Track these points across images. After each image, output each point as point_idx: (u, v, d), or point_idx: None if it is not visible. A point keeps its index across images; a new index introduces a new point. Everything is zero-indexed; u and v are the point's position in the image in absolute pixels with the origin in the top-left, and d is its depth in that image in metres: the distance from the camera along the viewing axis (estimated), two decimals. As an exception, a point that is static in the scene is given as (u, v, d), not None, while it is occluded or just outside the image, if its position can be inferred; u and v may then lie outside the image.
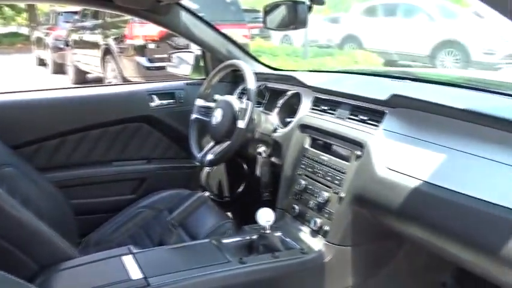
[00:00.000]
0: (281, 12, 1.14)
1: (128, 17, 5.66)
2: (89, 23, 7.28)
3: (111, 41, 6.15)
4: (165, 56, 6.00)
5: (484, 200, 0.83)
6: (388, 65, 7.85)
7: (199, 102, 1.58)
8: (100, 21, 6.71)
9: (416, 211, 0.97)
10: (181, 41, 5.52)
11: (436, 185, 0.93)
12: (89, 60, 7.04)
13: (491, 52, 7.07)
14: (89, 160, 1.63)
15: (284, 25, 1.13)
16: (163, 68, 5.76)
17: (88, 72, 7.50)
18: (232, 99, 1.44)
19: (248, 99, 1.32)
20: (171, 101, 1.77)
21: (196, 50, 1.89)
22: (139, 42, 5.59)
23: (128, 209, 1.60)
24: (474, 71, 5.53)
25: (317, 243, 1.18)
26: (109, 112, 1.65)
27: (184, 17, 1.58)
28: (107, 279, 0.91)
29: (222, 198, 1.89)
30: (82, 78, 7.67)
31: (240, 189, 1.87)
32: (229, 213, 1.80)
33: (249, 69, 1.37)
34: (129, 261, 0.98)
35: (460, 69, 7.05)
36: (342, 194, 1.15)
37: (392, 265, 1.28)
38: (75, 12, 8.12)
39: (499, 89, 1.16)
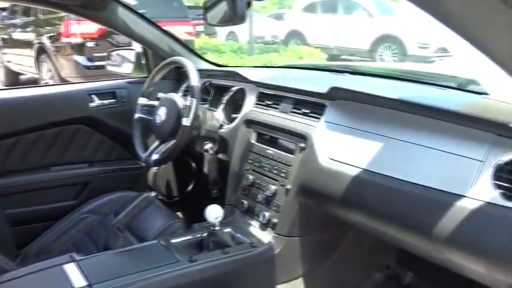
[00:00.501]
0: (221, 8, 1.14)
1: (62, 13, 5.37)
2: (19, 20, 6.80)
3: (45, 40, 5.80)
4: (105, 54, 5.77)
5: (417, 184, 0.89)
6: (331, 59, 8.10)
7: (142, 100, 1.53)
8: (32, 18, 6.29)
9: (358, 198, 1.01)
10: (122, 38, 5.33)
11: (374, 172, 0.98)
12: (21, 61, 6.58)
13: (425, 46, 7.52)
14: (25, 166, 1.53)
15: (224, 21, 1.13)
16: (103, 67, 5.53)
17: (21, 73, 7.02)
18: (176, 96, 1.41)
19: (192, 96, 1.30)
20: (112, 100, 1.71)
21: (137, 47, 1.84)
22: (77, 40, 5.33)
23: (70, 215, 1.52)
24: (410, 64, 5.86)
25: (266, 236, 1.20)
26: (45, 114, 1.56)
27: (122, 13, 1.52)
28: None
29: (171, 199, 1.85)
30: (14, 79, 7.15)
31: (189, 188, 1.85)
32: (179, 213, 1.77)
33: (192, 66, 1.35)
34: (71, 269, 0.93)
35: (397, 62, 7.44)
36: (289, 186, 1.17)
37: (338, 252, 1.33)
38: (3, 9, 7.55)
39: (431, 80, 1.24)
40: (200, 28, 8.99)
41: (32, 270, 0.94)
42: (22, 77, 7.12)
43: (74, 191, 1.62)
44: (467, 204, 0.81)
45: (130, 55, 1.81)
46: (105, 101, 1.69)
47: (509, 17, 0.41)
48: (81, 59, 5.24)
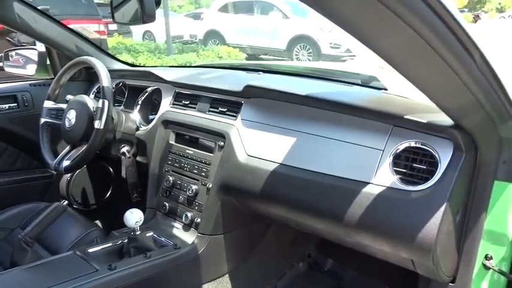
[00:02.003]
0: (130, 6, 1.10)
1: None
2: None
3: None
4: (2, 54, 5.24)
5: (327, 174, 0.95)
6: (250, 59, 8.25)
7: (48, 104, 1.43)
8: None
9: (275, 192, 1.05)
10: (25, 37, 4.89)
11: (288, 165, 1.02)
12: None
13: (337, 46, 7.99)
14: None
15: (134, 19, 1.10)
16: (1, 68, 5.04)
17: None
18: (87, 98, 1.33)
19: (103, 97, 1.24)
20: (13, 105, 1.57)
21: (40, 47, 1.70)
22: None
23: None
24: (322, 63, 6.19)
25: (190, 237, 1.19)
26: None
27: (19, 9, 1.40)
28: None
29: (87, 207, 1.75)
30: None
31: (107, 195, 1.76)
32: (97, 222, 1.68)
33: (101, 66, 1.29)
34: None
35: (312, 61, 7.83)
36: (209, 185, 1.18)
37: (262, 245, 1.37)
38: None
39: (338, 77, 1.32)
40: (113, 27, 8.59)
41: None
42: None
43: None
44: (371, 190, 0.89)
45: (33, 55, 1.67)
46: (5, 106, 1.54)
47: (384, 14, 0.46)
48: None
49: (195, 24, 11.07)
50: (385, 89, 1.12)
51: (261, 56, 8.67)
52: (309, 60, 8.00)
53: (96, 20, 5.87)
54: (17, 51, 1.71)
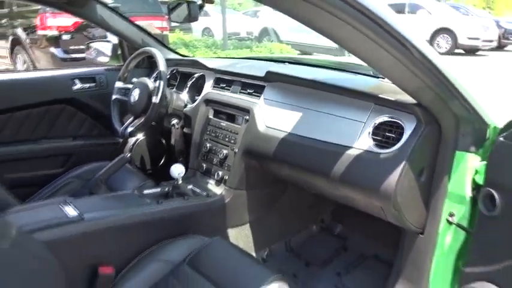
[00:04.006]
0: (181, 9, 1.44)
1: (38, 7, 5.51)
2: (-9, 12, 6.86)
3: (20, 32, 5.91)
4: (82, 47, 5.90)
5: (322, 140, 1.23)
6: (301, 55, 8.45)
7: (119, 84, 1.82)
8: (6, 10, 6.37)
9: (286, 155, 1.34)
10: (97, 31, 5.53)
11: (298, 134, 1.31)
12: (-6, 52, 6.66)
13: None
14: (17, 138, 1.79)
15: (183, 19, 1.43)
16: (79, 59, 5.65)
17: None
18: (147, 80, 1.70)
19: (160, 79, 1.60)
20: (92, 84, 1.98)
21: (114, 39, 2.11)
22: (53, 33, 5.48)
23: (56, 181, 1.79)
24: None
25: (219, 189, 1.52)
26: (34, 95, 1.82)
27: (100, 9, 1.80)
28: (47, 218, 1.14)
29: (145, 171, 2.14)
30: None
31: (161, 163, 2.14)
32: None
33: (160, 55, 1.65)
34: (65, 205, 1.22)
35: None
36: (236, 150, 1.49)
37: (280, 205, 1.66)
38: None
39: (347, 68, 1.57)
40: (175, 23, 9.21)
41: (33, 207, 1.22)
42: (-5, 68, 7.18)
43: (60, 160, 1.89)
44: (353, 152, 1.15)
45: (108, 46, 2.08)
46: (86, 85, 1.96)
47: (319, 13, 0.71)
48: (57, 51, 5.40)
49: (252, 22, 11.46)
50: (383, 78, 1.36)
51: (314, 54, 8.87)
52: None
53: (160, 17, 6.43)
54: (95, 43, 2.12)
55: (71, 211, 1.19)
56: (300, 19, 0.76)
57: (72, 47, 5.38)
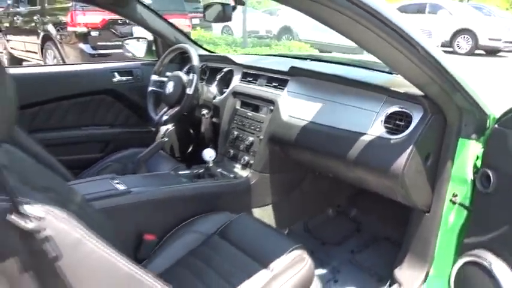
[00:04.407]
0: (215, 8, 1.61)
1: (68, 4, 5.79)
2: (24, 8, 7.18)
3: (51, 28, 6.20)
4: (109, 43, 6.12)
5: (340, 128, 1.38)
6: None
7: (154, 77, 2.00)
8: (38, 7, 6.68)
9: (306, 141, 1.50)
10: (124, 29, 5.78)
11: (317, 123, 1.47)
12: (25, 47, 6.99)
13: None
14: (63, 125, 2.00)
15: (217, 19, 1.60)
16: (106, 55, 5.88)
17: (24, 60, 7.40)
18: (181, 73, 1.88)
19: (193, 73, 1.78)
20: (130, 77, 2.18)
21: (148, 36, 2.30)
22: (82, 29, 5.74)
23: (97, 164, 1.99)
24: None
25: (245, 172, 1.69)
26: (78, 86, 2.03)
27: (139, 9, 1.99)
28: (100, 190, 1.33)
29: (174, 157, 2.33)
30: (17, 65, 7.54)
31: (189, 150, 2.33)
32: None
33: (194, 51, 1.83)
34: (114, 181, 1.41)
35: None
36: (261, 137, 1.66)
37: (300, 189, 1.82)
38: (9, -2, 7.93)
39: (370, 66, 1.72)
40: (196, 21, 9.43)
41: (86, 181, 1.42)
42: (25, 63, 7.51)
43: (100, 146, 2.09)
44: (366, 138, 1.30)
45: (143, 43, 2.27)
46: (124, 78, 2.16)
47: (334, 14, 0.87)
48: (86, 47, 5.66)
49: (271, 20, 11.60)
50: (395, 74, 1.51)
51: (332, 52, 8.97)
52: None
53: (183, 15, 6.65)
54: (131, 40, 2.32)
55: (119, 186, 1.37)
56: (322, 21, 0.92)
57: (100, 43, 5.63)
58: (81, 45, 5.68)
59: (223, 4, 1.52)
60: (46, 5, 6.43)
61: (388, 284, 1.48)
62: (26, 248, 0.62)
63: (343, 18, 0.87)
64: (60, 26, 6.02)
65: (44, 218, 0.63)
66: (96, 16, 5.62)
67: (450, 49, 9.98)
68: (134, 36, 2.47)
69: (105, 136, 2.11)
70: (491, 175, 1.08)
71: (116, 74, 2.13)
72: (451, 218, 1.28)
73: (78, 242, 0.66)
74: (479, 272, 1.11)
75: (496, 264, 1.07)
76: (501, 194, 1.06)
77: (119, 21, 5.70)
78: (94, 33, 5.72)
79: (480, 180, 1.12)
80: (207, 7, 1.70)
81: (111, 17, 5.64)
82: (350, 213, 1.96)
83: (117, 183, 1.40)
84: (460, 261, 1.17)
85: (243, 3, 1.51)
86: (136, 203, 1.35)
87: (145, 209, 1.37)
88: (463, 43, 10.09)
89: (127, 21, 5.81)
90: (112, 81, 2.11)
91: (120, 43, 2.35)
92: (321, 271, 1.65)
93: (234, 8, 1.53)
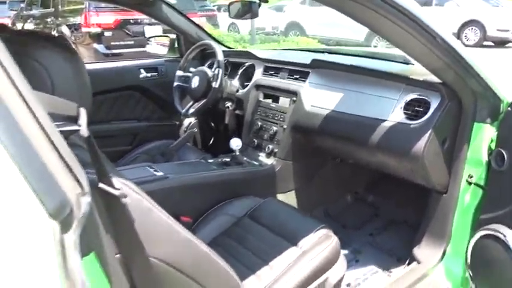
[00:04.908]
0: (239, 6, 1.71)
1: (81, 5, 5.93)
2: (37, 11, 7.35)
3: (65, 29, 6.35)
4: (122, 43, 6.23)
5: (361, 115, 1.48)
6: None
7: (179, 73, 2.11)
8: (51, 9, 6.83)
9: (327, 128, 1.60)
10: (135, 28, 5.91)
11: (338, 111, 1.57)
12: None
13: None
14: (95, 120, 2.12)
15: (243, 16, 1.71)
16: (119, 54, 6.00)
17: (39, 61, 7.53)
18: (206, 68, 1.99)
19: (219, 67, 1.88)
20: (155, 74, 2.29)
21: (153, 33, 2.41)
22: (96, 30, 5.88)
23: (127, 155, 2.11)
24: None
25: (270, 160, 1.80)
26: (108, 82, 2.14)
27: (164, 8, 2.10)
28: (140, 176, 1.44)
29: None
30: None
31: (210, 143, 2.44)
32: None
33: (218, 47, 1.93)
34: (151, 168, 1.52)
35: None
36: (285, 126, 1.76)
37: (320, 176, 1.92)
38: (22, 1, 8.09)
39: (381, 57, 1.82)
40: (203, 19, 9.54)
41: (126, 168, 1.53)
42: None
43: (128, 139, 2.21)
44: (388, 124, 1.40)
45: (166, 41, 2.38)
46: (149, 74, 2.27)
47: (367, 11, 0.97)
48: (100, 47, 5.80)
49: (277, 16, 11.67)
50: (413, 64, 1.60)
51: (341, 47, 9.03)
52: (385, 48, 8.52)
53: (192, 13, 6.76)
54: (156, 38, 2.43)
55: (157, 172, 1.49)
56: (351, 16, 1.02)
57: (113, 43, 5.77)
58: (95, 45, 5.81)
59: (249, 1, 1.62)
60: (60, 7, 6.58)
61: (407, 263, 1.57)
62: (107, 214, 0.73)
63: (370, 13, 0.96)
64: (74, 27, 6.17)
65: (122, 188, 0.74)
66: (109, 16, 5.76)
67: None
68: (147, 35, 2.57)
69: (132, 130, 2.23)
70: (505, 154, 1.17)
71: (142, 70, 2.25)
72: (467, 198, 1.37)
73: (149, 210, 0.77)
74: (494, 243, 1.21)
75: (510, 236, 1.17)
76: None
77: (131, 21, 5.83)
78: (107, 33, 5.85)
79: (495, 159, 1.21)
80: (231, 4, 1.80)
81: (123, 17, 5.76)
82: (368, 199, 2.05)
83: (154, 170, 1.51)
84: (477, 235, 1.27)
85: (266, 1, 1.61)
86: (173, 188, 1.46)
87: (181, 193, 1.48)
88: (471, 35, 10.07)
89: (139, 20, 5.95)
90: (139, 78, 2.23)
91: (132, 42, 2.47)
92: (343, 251, 1.75)
93: (259, 5, 1.63)
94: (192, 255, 0.84)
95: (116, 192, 0.70)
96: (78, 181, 0.51)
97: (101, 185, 0.69)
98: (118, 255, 0.73)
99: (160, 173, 1.48)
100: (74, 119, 0.68)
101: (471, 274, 1.31)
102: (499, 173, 1.20)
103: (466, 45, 9.85)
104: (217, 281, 0.90)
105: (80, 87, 0.83)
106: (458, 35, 10.08)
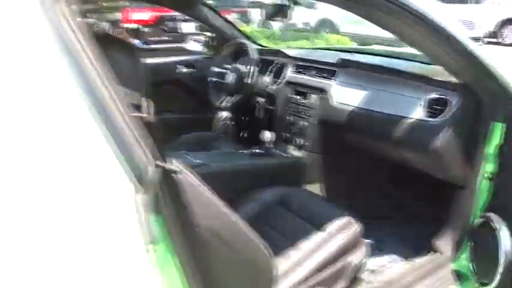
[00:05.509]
0: (272, 7, 1.86)
1: (123, 3, 6.20)
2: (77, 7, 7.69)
3: (105, 25, 6.64)
4: (158, 38, 6.48)
5: (385, 113, 1.58)
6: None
7: (215, 69, 2.27)
8: (92, 6, 7.16)
9: (353, 124, 1.71)
10: (171, 24, 6.14)
11: (363, 108, 1.67)
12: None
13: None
14: None
15: (275, 16, 1.85)
16: (156, 49, 6.24)
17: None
18: (240, 66, 2.13)
19: (253, 65, 2.02)
20: (191, 69, 2.46)
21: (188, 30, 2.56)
22: (134, 26, 6.15)
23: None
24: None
25: (299, 153, 1.93)
26: (150, 77, 2.32)
27: (204, 9, 2.26)
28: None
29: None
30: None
31: (243, 134, 2.58)
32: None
33: (251, 45, 2.08)
34: (189, 156, 1.68)
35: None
36: (313, 121, 1.89)
37: (344, 169, 2.03)
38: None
39: (409, 57, 1.90)
40: (235, 15, 9.71)
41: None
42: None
43: (170, 130, 2.38)
44: (410, 121, 1.50)
45: (203, 39, 2.55)
46: (186, 70, 2.45)
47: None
48: (137, 43, 6.05)
49: (308, 13, 11.65)
50: (433, 64, 1.68)
51: (372, 45, 8.96)
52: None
53: (226, 11, 6.94)
54: (194, 36, 2.60)
55: (195, 160, 1.65)
56: (376, 23, 1.13)
57: (150, 39, 6.02)
58: (133, 41, 6.07)
59: (281, 4, 1.76)
60: (100, 3, 6.89)
61: (428, 253, 1.67)
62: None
63: (393, 19, 1.08)
64: (114, 22, 6.45)
65: (181, 171, 0.88)
66: (147, 13, 6.01)
67: (495, 40, 9.73)
68: (183, 31, 2.74)
69: (170, 121, 2.40)
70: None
71: (180, 66, 2.42)
72: (484, 192, 1.46)
73: (197, 185, 0.92)
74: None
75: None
76: None
77: (167, 17, 6.06)
78: (145, 29, 6.12)
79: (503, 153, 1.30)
80: (265, 6, 1.94)
81: (160, 14, 6.00)
82: (390, 192, 2.14)
83: (192, 158, 1.67)
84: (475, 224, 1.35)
85: (298, 3, 1.74)
86: (209, 174, 1.61)
87: (217, 180, 1.63)
88: (510, 34, 9.77)
89: (174, 17, 6.18)
90: (175, 73, 2.40)
91: (167, 38, 2.64)
92: (366, 240, 1.86)
93: (289, 7, 1.77)
94: (232, 227, 0.98)
95: (172, 168, 0.85)
96: (145, 154, 0.67)
97: (157, 162, 0.84)
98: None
99: (199, 161, 1.64)
100: (138, 107, 0.84)
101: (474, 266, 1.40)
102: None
103: (504, 44, 9.58)
104: (252, 253, 1.03)
105: (137, 79, 0.98)
106: (495, 34, 9.81)
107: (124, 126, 0.64)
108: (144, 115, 0.83)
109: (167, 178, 0.86)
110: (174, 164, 0.87)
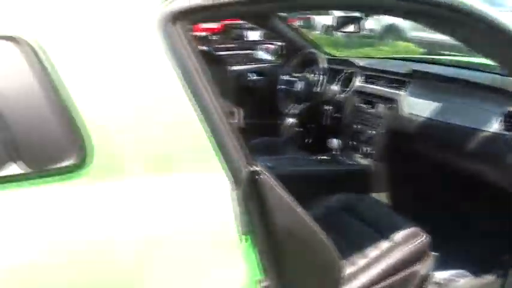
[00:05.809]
0: (344, 19, 1.91)
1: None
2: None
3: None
4: (225, 46, 6.73)
5: (459, 124, 1.57)
6: (427, 53, 8.26)
7: (284, 77, 2.37)
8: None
9: (425, 135, 1.71)
10: (237, 32, 6.35)
11: (434, 119, 1.67)
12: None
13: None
14: None
15: (347, 28, 1.90)
16: (223, 56, 6.48)
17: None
18: (309, 75, 2.21)
19: (322, 74, 2.09)
20: (261, 77, 2.58)
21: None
22: (203, 34, 6.45)
23: None
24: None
25: (365, 161, 1.96)
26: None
27: (277, 21, 2.37)
28: None
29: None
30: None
31: (310, 141, 2.64)
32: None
33: (321, 55, 2.14)
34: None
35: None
36: (380, 130, 1.91)
37: (412, 180, 2.02)
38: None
39: (481, 68, 1.85)
40: (299, 23, 9.78)
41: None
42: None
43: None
44: (484, 134, 1.48)
45: (273, 48, 2.67)
46: (258, 77, 2.57)
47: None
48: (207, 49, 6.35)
49: (372, 19, 11.39)
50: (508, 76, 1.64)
51: (442, 52, 8.57)
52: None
53: (293, 19, 7.05)
54: (264, 45, 2.72)
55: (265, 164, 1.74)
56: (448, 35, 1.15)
57: (218, 46, 6.28)
58: (201, 47, 6.37)
59: (354, 17, 1.81)
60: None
61: (497, 270, 1.62)
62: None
63: (467, 30, 1.10)
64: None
65: (264, 173, 0.98)
66: (217, 23, 6.28)
67: None
68: (249, 38, 2.86)
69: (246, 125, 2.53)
70: None
71: (251, 74, 2.55)
72: None
73: (276, 187, 1.01)
74: None
75: None
76: None
77: (234, 25, 6.29)
78: (213, 37, 6.39)
79: None
80: (338, 18, 2.00)
81: (227, 22, 6.25)
82: (458, 206, 2.09)
83: (261, 162, 1.77)
84: None
85: (369, 15, 1.79)
86: (279, 178, 1.70)
87: (285, 184, 1.72)
88: None
89: (240, 25, 6.39)
90: (249, 80, 2.53)
91: (234, 45, 2.78)
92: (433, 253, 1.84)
93: (361, 19, 1.81)
94: (306, 228, 1.05)
95: (257, 169, 0.95)
96: (240, 158, 0.79)
97: (248, 164, 0.94)
98: None
99: (268, 164, 1.73)
100: (232, 114, 0.95)
101: None
102: None
103: None
104: (323, 253, 1.10)
105: (227, 88, 1.09)
106: None
107: (225, 134, 0.76)
108: (236, 121, 0.94)
109: (253, 179, 0.96)
110: (259, 167, 0.97)
